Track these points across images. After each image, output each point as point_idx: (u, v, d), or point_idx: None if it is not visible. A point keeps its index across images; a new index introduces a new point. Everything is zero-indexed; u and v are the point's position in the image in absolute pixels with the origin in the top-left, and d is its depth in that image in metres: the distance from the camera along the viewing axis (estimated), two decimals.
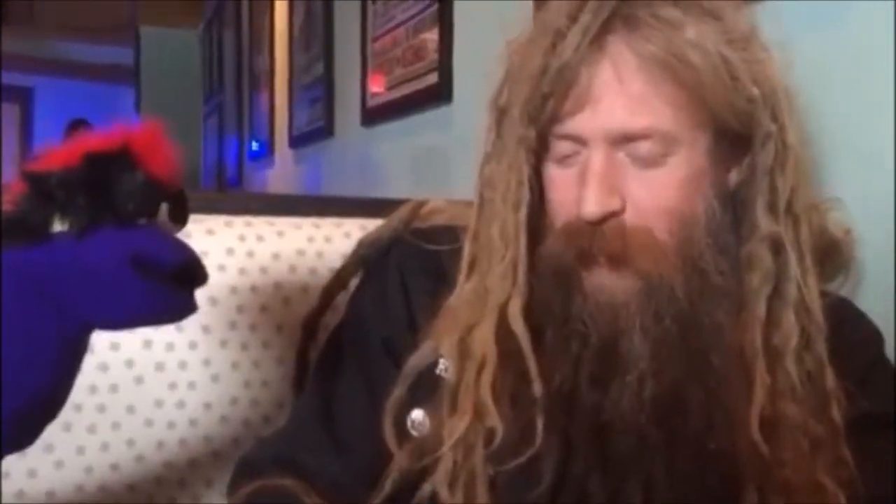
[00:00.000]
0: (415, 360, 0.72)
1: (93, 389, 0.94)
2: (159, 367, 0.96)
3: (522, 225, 0.69)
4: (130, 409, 0.95)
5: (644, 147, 0.66)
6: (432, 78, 2.13)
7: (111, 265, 0.59)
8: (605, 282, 0.67)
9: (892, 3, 0.85)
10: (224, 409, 0.99)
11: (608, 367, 0.66)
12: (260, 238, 1.01)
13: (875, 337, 0.77)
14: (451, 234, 0.77)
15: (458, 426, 0.68)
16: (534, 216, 0.70)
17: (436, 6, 2.11)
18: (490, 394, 0.68)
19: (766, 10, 0.72)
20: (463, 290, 0.72)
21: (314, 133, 3.33)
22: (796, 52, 0.70)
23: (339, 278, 0.90)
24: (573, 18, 0.67)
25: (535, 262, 0.69)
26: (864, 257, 0.83)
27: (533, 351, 0.67)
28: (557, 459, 0.67)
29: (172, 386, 0.96)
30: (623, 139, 0.66)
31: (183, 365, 0.97)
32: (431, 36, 2.14)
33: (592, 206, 0.66)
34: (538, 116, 0.68)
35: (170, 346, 0.96)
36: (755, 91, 0.66)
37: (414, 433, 0.72)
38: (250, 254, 1.00)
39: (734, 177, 0.71)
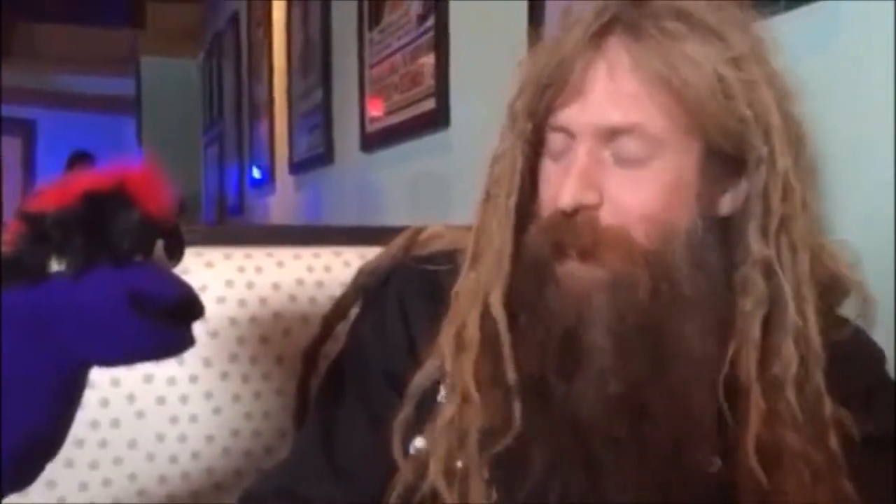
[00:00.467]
0: (419, 379, 0.72)
1: (94, 425, 0.94)
2: (160, 401, 0.96)
3: (511, 214, 0.71)
4: (132, 444, 0.95)
5: (629, 146, 0.67)
6: (430, 103, 2.14)
7: (108, 304, 0.59)
8: (574, 273, 0.68)
9: (892, 25, 0.85)
10: (226, 442, 0.98)
11: (571, 358, 0.67)
12: (259, 269, 1.02)
13: (879, 357, 0.77)
14: (450, 258, 0.77)
15: (447, 410, 0.69)
16: (528, 210, 0.72)
17: (432, 32, 2.12)
18: (472, 376, 0.69)
19: (776, 28, 0.72)
20: (463, 284, 0.73)
21: (314, 159, 3.34)
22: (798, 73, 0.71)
23: (339, 307, 0.90)
24: (579, 19, 0.69)
25: (520, 253, 0.71)
26: (865, 275, 0.82)
27: (511, 338, 0.69)
28: (542, 450, 0.68)
29: (174, 420, 0.96)
30: (609, 134, 0.67)
31: (184, 398, 0.97)
32: (428, 61, 2.15)
33: (567, 196, 0.67)
34: (536, 109, 0.70)
35: (171, 380, 0.96)
36: (748, 112, 0.66)
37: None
38: (250, 285, 1.00)
39: (729, 201, 0.71)
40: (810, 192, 0.70)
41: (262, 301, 1.00)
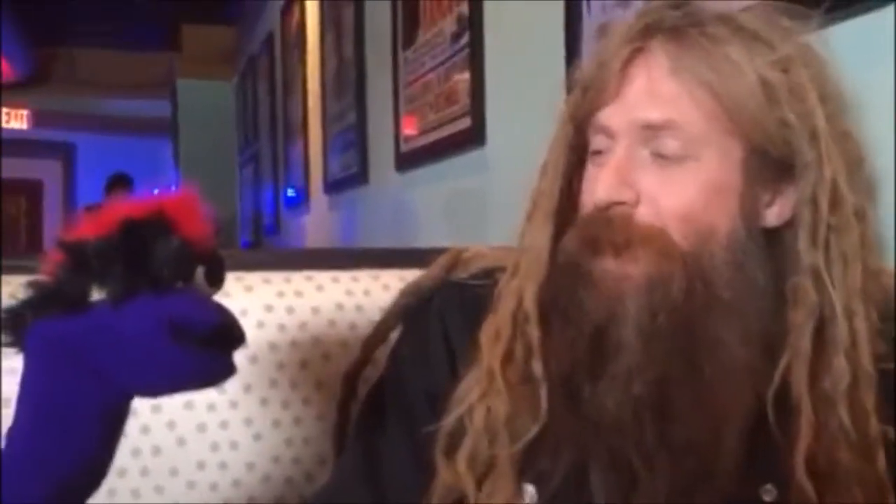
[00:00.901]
0: (461, 392, 0.71)
1: (136, 453, 0.93)
2: (201, 427, 0.95)
3: (550, 216, 0.71)
4: (173, 472, 0.94)
5: (667, 144, 0.66)
6: (465, 122, 2.13)
7: (148, 332, 0.59)
8: (608, 271, 0.66)
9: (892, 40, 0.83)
10: (266, 469, 0.97)
11: (599, 356, 0.66)
12: (298, 293, 1.01)
13: None
14: (492, 276, 0.76)
15: (476, 402, 0.70)
16: (570, 216, 0.71)
17: (467, 50, 2.12)
18: (500, 368, 0.69)
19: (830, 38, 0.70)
20: (506, 287, 0.73)
21: (349, 179, 3.35)
22: None
23: (380, 331, 0.89)
24: (622, 23, 0.70)
25: (557, 255, 0.71)
26: None
27: (541, 332, 0.69)
28: (571, 450, 0.67)
29: (214, 447, 0.96)
30: (646, 132, 0.66)
31: (224, 425, 0.96)
32: (463, 79, 2.15)
33: (601, 191, 0.67)
34: (577, 112, 0.70)
35: (211, 407, 0.96)
36: (791, 116, 0.65)
37: None
38: (289, 310, 1.00)
39: (777, 212, 0.69)
40: (866, 206, 0.68)
41: (302, 326, 0.99)
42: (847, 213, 0.66)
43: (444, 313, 0.77)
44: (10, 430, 0.60)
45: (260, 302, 0.99)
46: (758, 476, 0.68)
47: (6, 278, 0.83)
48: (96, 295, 0.60)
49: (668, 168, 0.66)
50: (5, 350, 0.61)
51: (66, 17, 6.52)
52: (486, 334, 0.72)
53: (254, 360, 0.97)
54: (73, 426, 0.59)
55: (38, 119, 7.84)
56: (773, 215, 0.69)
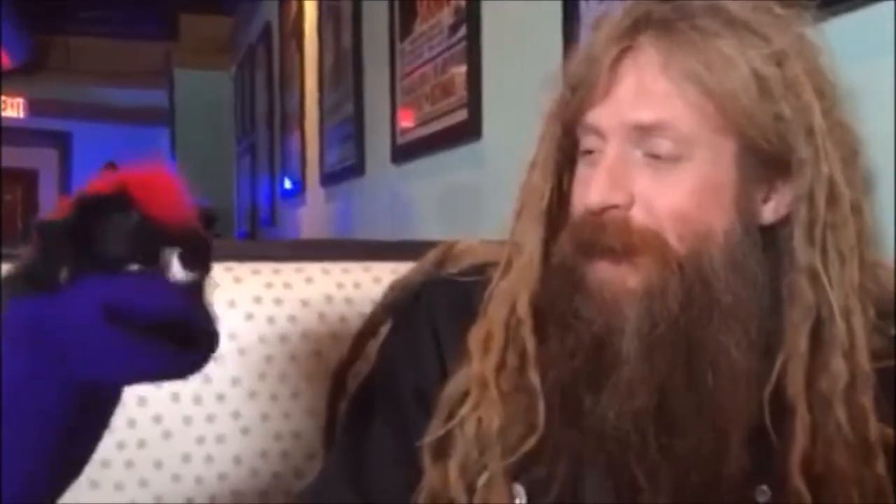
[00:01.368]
0: (449, 390, 0.70)
1: (120, 445, 0.92)
2: (187, 420, 0.94)
3: (541, 218, 0.70)
4: (158, 465, 0.93)
5: (659, 145, 0.65)
6: (462, 114, 2.12)
7: (86, 317, 0.54)
8: (605, 277, 0.65)
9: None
10: (254, 463, 0.96)
11: (600, 366, 0.64)
12: (287, 285, 0.99)
13: None
14: (482, 271, 0.75)
15: (469, 412, 0.68)
16: (560, 215, 0.70)
17: (464, 42, 2.10)
18: (494, 378, 0.68)
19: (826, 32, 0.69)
20: (496, 288, 0.71)
21: (345, 171, 3.34)
22: None
23: (369, 326, 0.88)
24: (610, 18, 0.67)
25: (550, 258, 0.69)
26: None
27: (536, 341, 0.67)
28: (568, 460, 0.66)
29: (200, 440, 0.94)
30: (638, 133, 0.65)
31: (211, 418, 0.95)
32: (460, 71, 2.13)
33: (595, 195, 0.65)
34: (566, 111, 0.69)
35: (197, 399, 0.94)
36: (786, 110, 0.64)
37: None
38: (278, 301, 0.98)
39: (773, 208, 0.68)
40: (862, 200, 0.67)
41: (291, 318, 0.98)
42: (844, 209, 0.65)
43: (433, 309, 0.76)
44: None
45: (249, 293, 0.98)
46: (752, 477, 0.67)
47: (3, 266, 0.82)
48: (63, 276, 0.56)
49: (662, 168, 0.65)
50: None
51: (64, 6, 6.49)
52: (475, 338, 0.70)
53: (242, 352, 0.96)
54: (31, 415, 0.56)
55: (34, 108, 7.82)
56: (768, 212, 0.68)
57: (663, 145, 0.65)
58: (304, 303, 0.99)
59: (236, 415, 0.95)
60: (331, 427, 0.91)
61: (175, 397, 0.93)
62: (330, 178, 3.65)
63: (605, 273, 0.65)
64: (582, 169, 0.69)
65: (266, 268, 1.01)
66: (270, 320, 0.97)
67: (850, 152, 0.67)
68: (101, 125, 7.70)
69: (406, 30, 2.53)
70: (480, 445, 0.68)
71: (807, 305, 0.65)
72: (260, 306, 0.98)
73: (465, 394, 0.70)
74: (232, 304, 0.96)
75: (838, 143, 0.65)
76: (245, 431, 0.96)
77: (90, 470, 0.62)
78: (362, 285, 1.01)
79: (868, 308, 0.66)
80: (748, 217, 0.67)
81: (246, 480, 0.96)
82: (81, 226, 0.55)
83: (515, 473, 0.67)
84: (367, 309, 0.89)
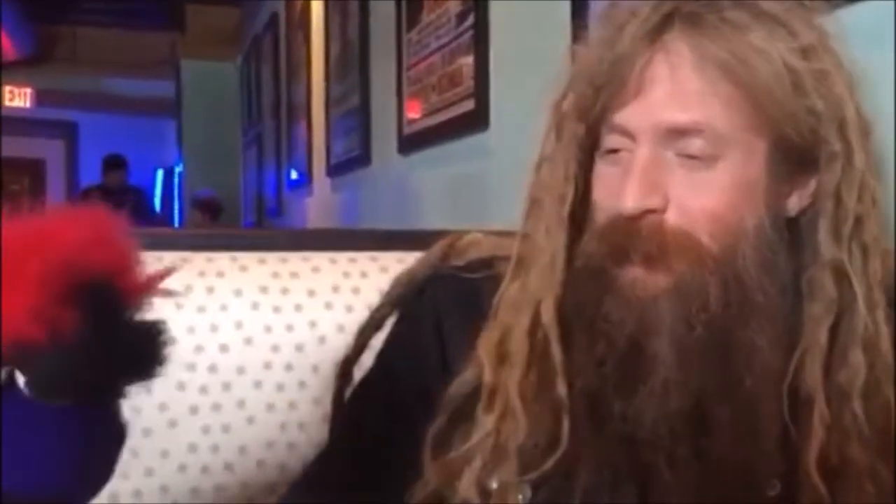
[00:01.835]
0: (455, 389, 0.69)
1: None
2: (193, 409, 0.94)
3: (564, 221, 0.68)
4: (164, 454, 0.93)
5: (693, 145, 0.63)
6: (469, 104, 2.11)
7: None
8: (637, 281, 0.64)
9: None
10: (260, 453, 0.96)
11: (633, 370, 0.63)
12: (294, 274, 0.99)
13: None
14: (488, 265, 0.74)
15: (486, 422, 0.66)
16: (579, 215, 0.68)
17: (471, 32, 2.09)
18: (517, 391, 0.66)
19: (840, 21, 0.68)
20: (507, 291, 0.70)
21: (351, 161, 3.33)
22: None
23: (374, 319, 0.87)
24: (634, 14, 0.65)
25: (573, 260, 0.68)
26: None
27: (562, 350, 0.65)
28: (589, 469, 0.65)
29: (206, 429, 0.94)
30: (671, 134, 0.64)
31: (217, 407, 0.94)
32: (467, 62, 2.12)
33: (631, 200, 0.63)
34: (590, 110, 0.66)
35: (203, 389, 0.94)
36: (819, 104, 0.63)
37: None
38: (284, 291, 0.98)
39: (796, 201, 0.67)
40: (879, 189, 0.66)
41: (298, 308, 0.97)
42: (869, 202, 0.65)
43: (438, 307, 0.75)
44: None
45: (255, 282, 0.97)
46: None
47: None
48: None
49: (696, 169, 0.64)
50: None
51: None
52: (486, 344, 0.68)
53: (248, 341, 0.96)
54: None
55: (40, 98, 7.81)
56: (792, 204, 0.67)
57: (697, 145, 0.63)
58: (311, 292, 0.98)
59: (242, 404, 0.95)
60: (336, 418, 0.91)
61: (181, 386, 0.93)
62: (336, 169, 3.64)
63: (638, 276, 0.64)
64: (603, 167, 0.68)
65: (272, 257, 1.00)
66: (277, 309, 0.97)
67: (873, 146, 0.66)
68: (108, 115, 7.69)
69: (413, 20, 2.52)
70: (499, 458, 0.66)
71: (828, 300, 0.64)
72: (266, 295, 0.97)
73: (472, 395, 0.69)
74: (238, 293, 0.96)
75: (864, 134, 0.65)
76: (251, 421, 0.95)
77: None
78: (369, 275, 1.01)
79: (890, 299, 0.66)
80: (775, 212, 0.66)
81: (252, 471, 0.96)
82: None
83: (536, 484, 0.66)
84: (374, 299, 0.89)
